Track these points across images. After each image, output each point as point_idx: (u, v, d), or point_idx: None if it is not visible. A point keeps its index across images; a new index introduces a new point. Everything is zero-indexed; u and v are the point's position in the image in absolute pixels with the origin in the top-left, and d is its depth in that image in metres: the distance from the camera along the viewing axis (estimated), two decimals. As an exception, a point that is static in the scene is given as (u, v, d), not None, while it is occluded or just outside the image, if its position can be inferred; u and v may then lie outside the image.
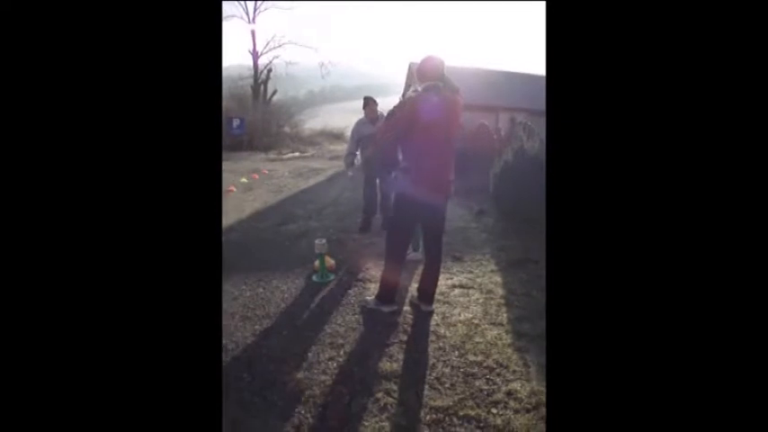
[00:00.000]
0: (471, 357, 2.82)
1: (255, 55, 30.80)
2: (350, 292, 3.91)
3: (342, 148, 21.72)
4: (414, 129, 3.08)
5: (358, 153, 5.69)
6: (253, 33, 30.94)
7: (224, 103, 24.43)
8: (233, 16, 31.61)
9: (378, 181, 5.67)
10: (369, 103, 5.57)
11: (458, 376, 2.64)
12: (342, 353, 2.89)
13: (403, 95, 4.91)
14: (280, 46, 31.70)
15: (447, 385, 2.55)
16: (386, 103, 5.27)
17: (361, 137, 5.54)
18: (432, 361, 2.79)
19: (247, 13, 31.52)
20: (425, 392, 2.48)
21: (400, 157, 3.29)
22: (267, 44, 31.68)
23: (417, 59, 3.36)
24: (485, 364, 2.74)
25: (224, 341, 3.02)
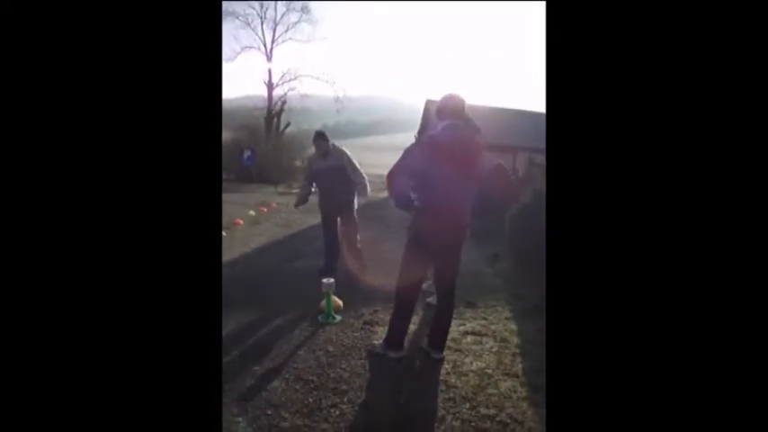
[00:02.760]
0: (483, 410, 2.64)
1: (270, 86, 31.28)
2: (356, 335, 3.74)
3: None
4: (429, 168, 2.99)
5: (314, 189, 5.58)
6: (270, 71, 31.66)
7: (236, 134, 24.58)
8: (250, 47, 32.42)
9: (339, 220, 5.47)
10: (317, 137, 5.40)
11: (468, 431, 2.46)
12: (345, 400, 2.73)
13: (419, 133, 4.84)
14: (295, 78, 32.06)
15: (457, 441, 2.36)
16: (402, 139, 5.28)
17: (313, 172, 5.44)
18: (441, 413, 2.61)
19: (265, 45, 32.30)
20: (433, 448, 2.30)
21: (413, 196, 3.18)
22: (282, 76, 32.10)
23: (435, 96, 3.31)
24: (498, 419, 2.55)
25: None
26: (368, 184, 5.38)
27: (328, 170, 5.25)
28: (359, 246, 5.50)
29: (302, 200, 5.59)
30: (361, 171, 5.33)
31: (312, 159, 5.55)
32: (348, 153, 5.33)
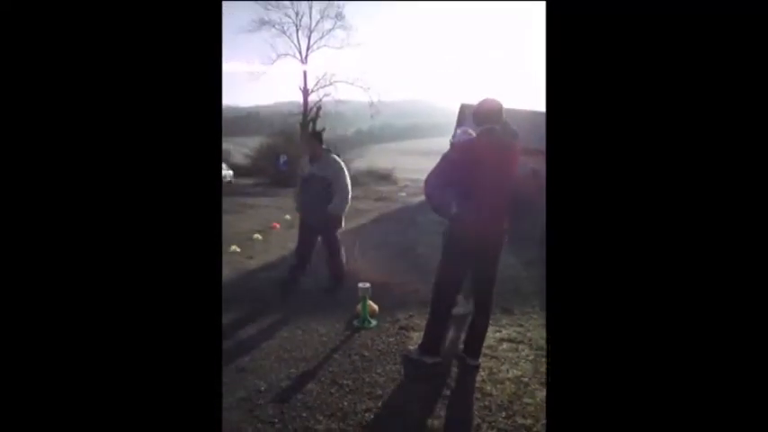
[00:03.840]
0: (520, 420, 2.59)
1: (305, 92, 31.71)
2: (391, 340, 3.74)
3: (388, 189, 21.66)
4: (466, 173, 2.97)
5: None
6: (305, 77, 32.08)
7: (272, 139, 25.09)
8: (286, 54, 32.93)
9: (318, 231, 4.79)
10: (310, 135, 4.72)
11: (505, 441, 2.41)
12: (380, 404, 2.73)
13: (453, 138, 4.71)
14: (330, 84, 32.47)
15: (493, 450, 2.33)
16: (439, 144, 5.12)
17: (300, 176, 4.78)
18: (476, 421, 2.58)
19: (300, 53, 32.76)
20: (468, 457, 2.27)
21: (451, 201, 3.16)
22: (317, 82, 32.57)
23: (469, 100, 3.28)
24: (535, 430, 2.51)
25: (257, 382, 2.92)
26: (345, 208, 4.68)
27: (311, 178, 4.61)
28: (343, 258, 4.99)
29: (299, 205, 4.91)
30: (346, 193, 4.61)
31: (303, 162, 4.87)
32: (343, 167, 4.63)
